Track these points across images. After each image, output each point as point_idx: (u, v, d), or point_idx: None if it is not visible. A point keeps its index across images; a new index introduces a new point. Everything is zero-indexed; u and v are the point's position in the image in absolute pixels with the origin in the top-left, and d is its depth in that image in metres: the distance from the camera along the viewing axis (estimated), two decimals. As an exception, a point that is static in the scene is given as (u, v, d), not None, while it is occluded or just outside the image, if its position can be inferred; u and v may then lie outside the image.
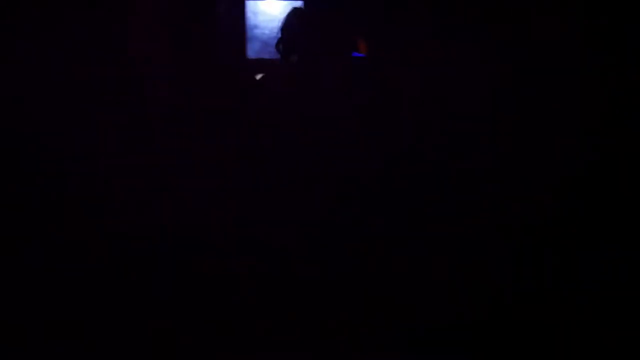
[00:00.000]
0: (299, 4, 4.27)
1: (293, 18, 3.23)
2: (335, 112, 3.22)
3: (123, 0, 3.38)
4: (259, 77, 3.31)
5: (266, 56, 4.16)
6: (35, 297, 3.20)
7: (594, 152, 3.33)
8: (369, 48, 3.48)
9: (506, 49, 3.38)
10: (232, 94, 3.36)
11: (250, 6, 4.22)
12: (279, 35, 3.23)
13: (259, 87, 3.29)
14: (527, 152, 3.35)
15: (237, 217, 3.31)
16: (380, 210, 3.32)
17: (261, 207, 3.29)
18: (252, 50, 4.20)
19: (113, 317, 3.19)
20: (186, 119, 3.36)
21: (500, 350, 3.20)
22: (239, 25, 4.06)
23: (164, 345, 3.15)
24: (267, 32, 4.18)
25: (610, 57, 3.36)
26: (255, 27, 4.18)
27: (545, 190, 3.33)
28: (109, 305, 3.21)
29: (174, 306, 3.23)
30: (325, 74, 3.25)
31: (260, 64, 4.10)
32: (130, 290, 3.23)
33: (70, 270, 3.23)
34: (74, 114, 3.32)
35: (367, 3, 3.48)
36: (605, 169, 3.33)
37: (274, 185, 3.29)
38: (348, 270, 3.28)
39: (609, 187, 3.33)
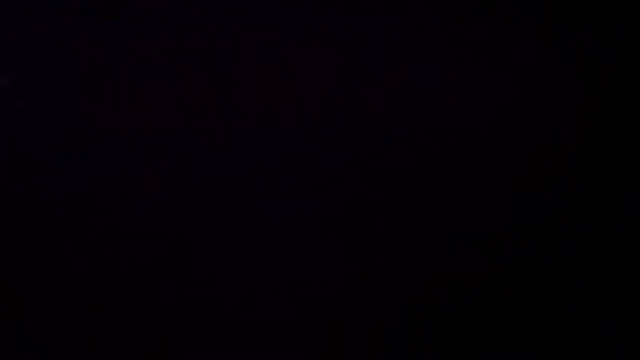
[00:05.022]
0: None
1: None
2: None
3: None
4: None
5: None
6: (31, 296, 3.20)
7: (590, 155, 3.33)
8: None
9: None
10: None
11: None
12: None
13: None
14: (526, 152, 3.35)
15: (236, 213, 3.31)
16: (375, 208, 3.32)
17: (262, 202, 3.29)
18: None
19: (108, 317, 3.18)
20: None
21: (501, 350, 3.19)
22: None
23: (162, 345, 3.15)
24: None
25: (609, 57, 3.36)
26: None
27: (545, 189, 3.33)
28: (104, 304, 3.21)
29: (171, 305, 3.22)
30: None
31: None
32: (126, 289, 3.23)
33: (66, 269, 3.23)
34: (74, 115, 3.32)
35: None
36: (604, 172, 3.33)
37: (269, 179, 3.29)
38: (347, 269, 3.27)
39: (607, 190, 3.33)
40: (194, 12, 3.44)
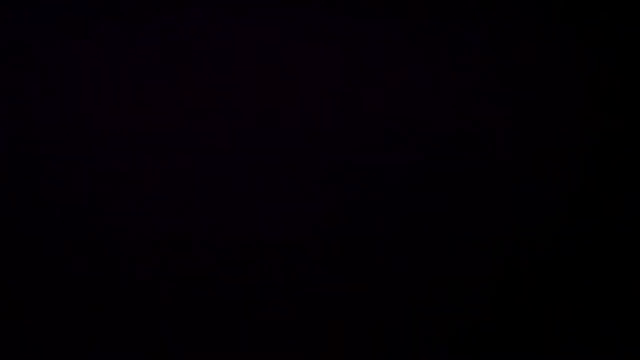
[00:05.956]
0: None
1: None
2: None
3: None
4: None
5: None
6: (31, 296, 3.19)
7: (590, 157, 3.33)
8: None
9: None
10: None
11: None
12: None
13: None
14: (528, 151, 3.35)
15: (235, 214, 3.30)
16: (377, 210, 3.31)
17: (262, 204, 3.29)
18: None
19: (108, 317, 3.18)
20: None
21: (501, 350, 3.19)
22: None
23: (162, 345, 3.14)
24: None
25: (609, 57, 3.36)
26: None
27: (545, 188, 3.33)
28: (102, 305, 3.20)
29: (170, 305, 3.22)
30: None
31: None
32: (126, 289, 3.22)
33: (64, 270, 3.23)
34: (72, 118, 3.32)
35: None
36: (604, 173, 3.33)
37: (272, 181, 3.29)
38: (347, 271, 3.27)
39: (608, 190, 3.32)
40: (194, 12, 3.43)
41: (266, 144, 3.35)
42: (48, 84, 3.35)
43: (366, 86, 3.37)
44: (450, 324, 3.23)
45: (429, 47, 3.40)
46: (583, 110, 3.37)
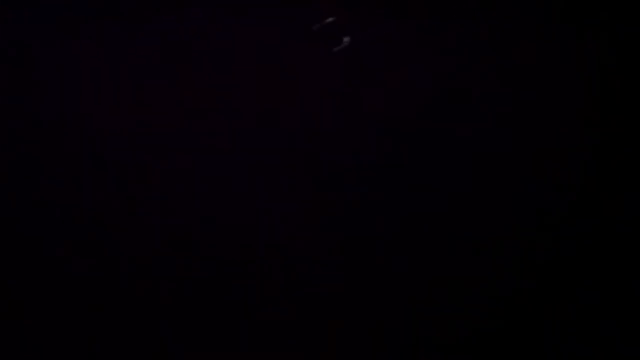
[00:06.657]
0: None
1: None
2: None
3: None
4: None
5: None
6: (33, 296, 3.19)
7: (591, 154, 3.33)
8: None
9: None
10: None
11: None
12: None
13: None
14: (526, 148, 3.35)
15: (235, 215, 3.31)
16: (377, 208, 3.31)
17: (259, 204, 3.29)
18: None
19: (108, 317, 3.18)
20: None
21: (501, 350, 3.19)
22: None
23: (162, 345, 3.15)
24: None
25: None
26: None
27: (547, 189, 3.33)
28: (103, 306, 3.21)
29: (170, 305, 3.22)
30: None
31: None
32: (126, 289, 3.23)
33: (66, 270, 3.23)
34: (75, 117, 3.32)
35: None
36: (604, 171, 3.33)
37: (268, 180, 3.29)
38: (347, 271, 3.27)
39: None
40: (194, 12, 3.43)
41: (266, 144, 3.35)
42: (48, 84, 3.36)
43: (366, 86, 3.38)
44: (450, 324, 3.23)
45: (429, 47, 3.41)
46: (583, 110, 3.37)
